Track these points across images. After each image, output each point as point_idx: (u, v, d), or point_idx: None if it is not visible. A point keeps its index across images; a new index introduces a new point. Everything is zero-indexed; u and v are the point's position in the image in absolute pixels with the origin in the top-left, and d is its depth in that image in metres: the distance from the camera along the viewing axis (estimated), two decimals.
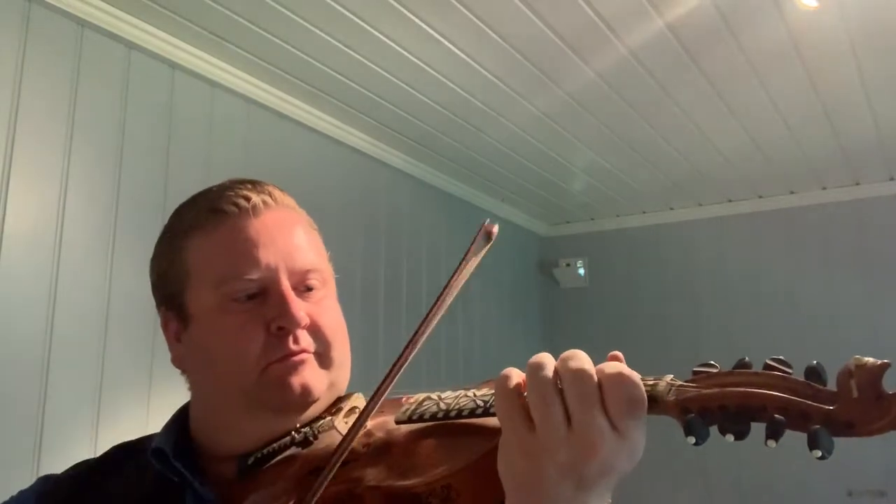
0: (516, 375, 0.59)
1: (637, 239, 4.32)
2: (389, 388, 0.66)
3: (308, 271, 0.82)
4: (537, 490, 0.56)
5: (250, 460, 0.76)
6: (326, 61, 2.52)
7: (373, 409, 0.65)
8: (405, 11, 2.24)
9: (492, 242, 0.70)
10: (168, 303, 0.84)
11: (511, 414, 0.57)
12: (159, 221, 0.89)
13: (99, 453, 0.90)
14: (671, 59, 2.56)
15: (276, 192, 0.85)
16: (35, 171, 2.00)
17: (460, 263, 0.69)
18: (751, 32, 2.40)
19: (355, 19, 2.27)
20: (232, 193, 0.83)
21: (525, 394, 0.57)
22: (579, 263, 4.38)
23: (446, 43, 2.43)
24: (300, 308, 0.78)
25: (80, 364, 2.03)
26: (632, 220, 4.34)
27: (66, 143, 2.07)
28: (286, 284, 0.79)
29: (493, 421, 0.60)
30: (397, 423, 0.69)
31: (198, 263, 0.81)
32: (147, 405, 2.17)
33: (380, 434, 0.69)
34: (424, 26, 2.33)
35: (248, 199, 0.82)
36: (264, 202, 0.82)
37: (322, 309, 0.82)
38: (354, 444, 0.68)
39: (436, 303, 0.67)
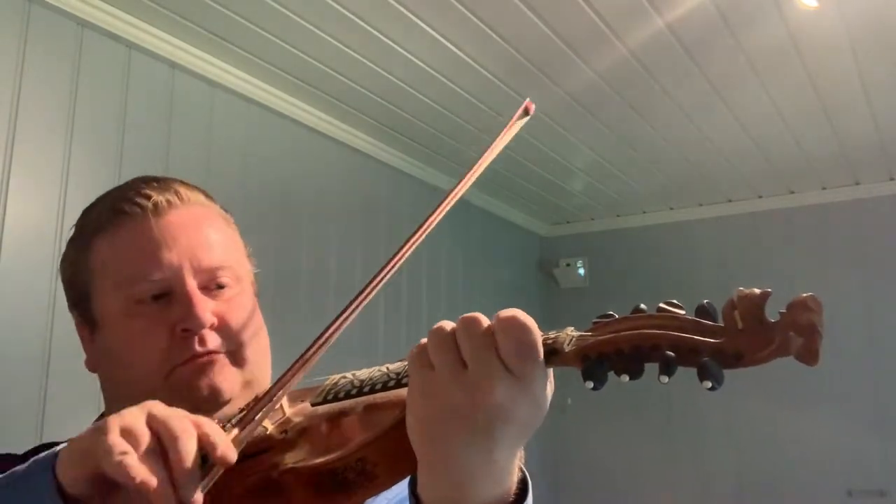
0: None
1: (637, 239, 4.32)
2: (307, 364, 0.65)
3: (216, 269, 0.79)
4: (436, 436, 0.56)
5: None
6: (326, 61, 2.52)
7: (283, 385, 0.65)
8: (405, 11, 2.24)
9: (528, 117, 0.73)
10: (77, 306, 0.82)
11: (416, 360, 0.58)
12: None
13: None
14: (671, 59, 2.56)
15: (183, 190, 0.83)
16: (35, 171, 2.00)
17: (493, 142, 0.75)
18: (751, 32, 2.40)
19: (355, 19, 2.27)
20: (134, 193, 0.81)
21: None
22: (579, 263, 4.38)
23: (446, 43, 2.43)
24: (206, 308, 0.76)
25: (81, 363, 2.03)
26: (632, 220, 4.33)
27: (66, 143, 2.07)
28: (192, 284, 0.77)
29: (405, 392, 0.60)
30: (313, 405, 0.69)
31: (101, 266, 0.79)
32: None
33: (297, 419, 0.69)
34: (424, 26, 2.33)
35: (149, 197, 0.80)
36: (168, 201, 0.80)
37: (232, 307, 0.79)
38: (271, 431, 0.68)
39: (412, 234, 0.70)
